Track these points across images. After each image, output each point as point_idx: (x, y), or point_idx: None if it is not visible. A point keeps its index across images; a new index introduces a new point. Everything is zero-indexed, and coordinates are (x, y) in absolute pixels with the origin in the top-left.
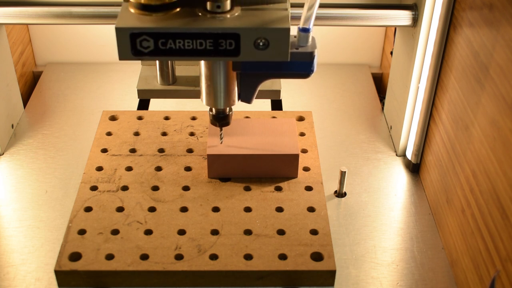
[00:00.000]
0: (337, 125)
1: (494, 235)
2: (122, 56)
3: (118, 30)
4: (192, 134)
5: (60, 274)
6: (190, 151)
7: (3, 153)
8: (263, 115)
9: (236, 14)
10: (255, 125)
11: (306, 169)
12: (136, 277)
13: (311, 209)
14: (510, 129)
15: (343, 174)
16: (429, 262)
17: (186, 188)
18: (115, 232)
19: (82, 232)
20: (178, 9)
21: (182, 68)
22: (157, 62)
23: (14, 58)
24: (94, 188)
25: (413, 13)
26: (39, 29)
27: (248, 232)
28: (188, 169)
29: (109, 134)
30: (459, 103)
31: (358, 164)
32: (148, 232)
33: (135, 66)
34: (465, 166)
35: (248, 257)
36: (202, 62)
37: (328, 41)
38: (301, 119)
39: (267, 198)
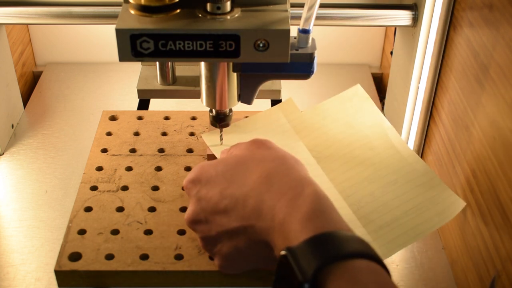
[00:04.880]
0: None
1: (494, 235)
2: (122, 58)
3: (118, 32)
4: (192, 134)
5: (60, 274)
6: (190, 151)
7: (3, 153)
8: None
9: (236, 15)
10: None
11: None
12: (136, 277)
13: None
14: (510, 129)
15: None
16: (429, 262)
17: None
18: (115, 232)
19: (82, 232)
20: (178, 11)
21: (182, 68)
22: (157, 62)
23: (14, 58)
24: (94, 188)
25: (413, 13)
26: (39, 29)
27: None
28: (188, 169)
29: (109, 134)
30: (459, 103)
31: None
32: (148, 232)
33: (135, 66)
34: (465, 166)
35: None
36: (202, 63)
37: (328, 41)
38: None
39: None
